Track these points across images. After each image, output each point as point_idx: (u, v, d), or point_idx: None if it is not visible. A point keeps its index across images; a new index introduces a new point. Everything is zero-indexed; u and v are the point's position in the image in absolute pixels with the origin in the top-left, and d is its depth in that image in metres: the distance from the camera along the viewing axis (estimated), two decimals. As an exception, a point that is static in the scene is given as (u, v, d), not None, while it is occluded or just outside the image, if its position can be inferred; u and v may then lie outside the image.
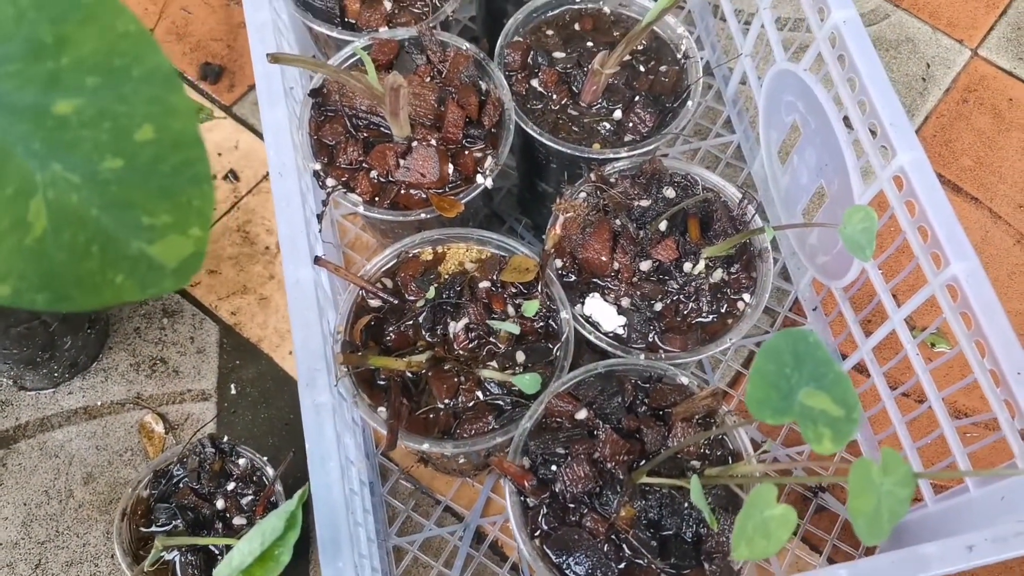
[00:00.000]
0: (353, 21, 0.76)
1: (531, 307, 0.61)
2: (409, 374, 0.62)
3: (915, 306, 0.68)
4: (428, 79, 0.72)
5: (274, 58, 0.54)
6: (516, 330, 0.61)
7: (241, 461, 0.68)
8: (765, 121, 0.87)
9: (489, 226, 0.88)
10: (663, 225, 0.67)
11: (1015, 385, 0.58)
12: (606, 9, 0.78)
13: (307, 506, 0.55)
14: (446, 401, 0.61)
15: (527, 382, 0.58)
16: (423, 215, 0.67)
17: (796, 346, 0.44)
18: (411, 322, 0.64)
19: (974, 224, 0.93)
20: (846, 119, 0.73)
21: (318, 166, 0.69)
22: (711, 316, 0.66)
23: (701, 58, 1.00)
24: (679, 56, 0.76)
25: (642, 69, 0.75)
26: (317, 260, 0.63)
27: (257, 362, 0.84)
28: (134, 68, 0.29)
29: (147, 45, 0.29)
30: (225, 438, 0.69)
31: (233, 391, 0.82)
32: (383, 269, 0.67)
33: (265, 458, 0.68)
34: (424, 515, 0.78)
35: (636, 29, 0.65)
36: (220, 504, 0.66)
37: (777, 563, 0.77)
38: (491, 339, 0.63)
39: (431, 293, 0.63)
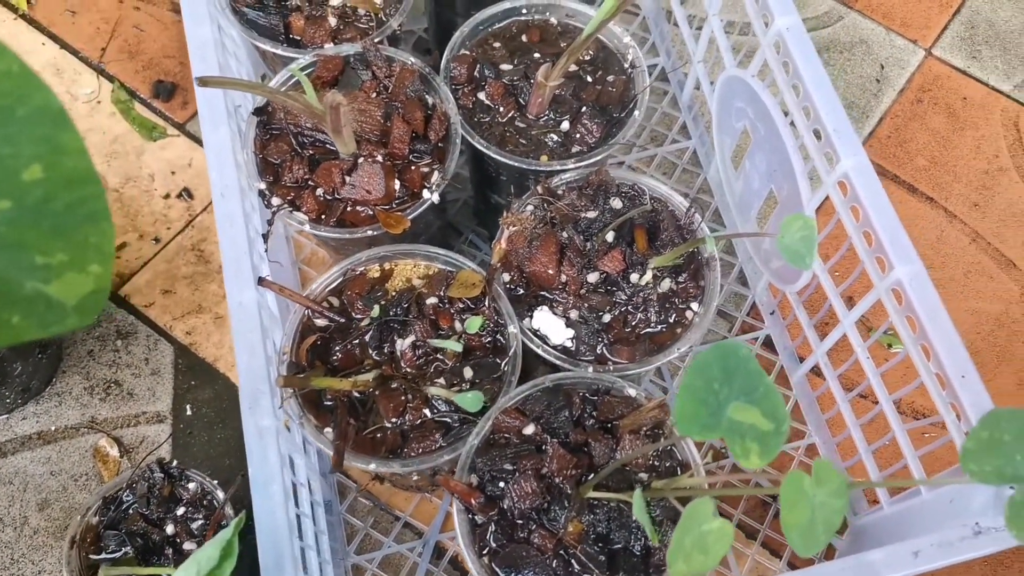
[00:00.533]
0: (298, 38, 0.75)
1: (474, 323, 0.61)
2: (356, 394, 0.62)
3: (863, 310, 0.68)
4: (374, 95, 0.71)
5: (203, 81, 0.53)
6: (458, 347, 0.61)
7: (191, 485, 0.68)
8: (718, 127, 0.87)
9: (445, 239, 0.88)
10: (610, 236, 0.67)
11: (959, 388, 0.59)
12: (553, 20, 0.78)
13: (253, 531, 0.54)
14: (393, 420, 0.61)
15: (469, 400, 0.58)
16: (370, 232, 0.67)
17: (726, 360, 0.44)
18: (358, 341, 0.63)
19: (929, 224, 0.93)
20: (793, 124, 0.73)
21: (263, 185, 0.68)
22: (660, 326, 0.66)
23: (656, 64, 1.01)
24: (626, 66, 0.76)
25: (589, 79, 0.75)
26: (261, 281, 0.62)
27: (213, 382, 0.83)
28: (18, 108, 0.28)
29: (32, 84, 0.28)
30: (175, 462, 0.69)
31: (189, 412, 0.82)
32: (329, 288, 0.66)
33: (216, 481, 0.68)
34: (383, 532, 0.77)
35: (577, 40, 0.65)
36: (170, 530, 0.66)
37: (737, 569, 0.77)
38: (438, 356, 0.63)
39: (376, 311, 0.63)
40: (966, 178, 0.96)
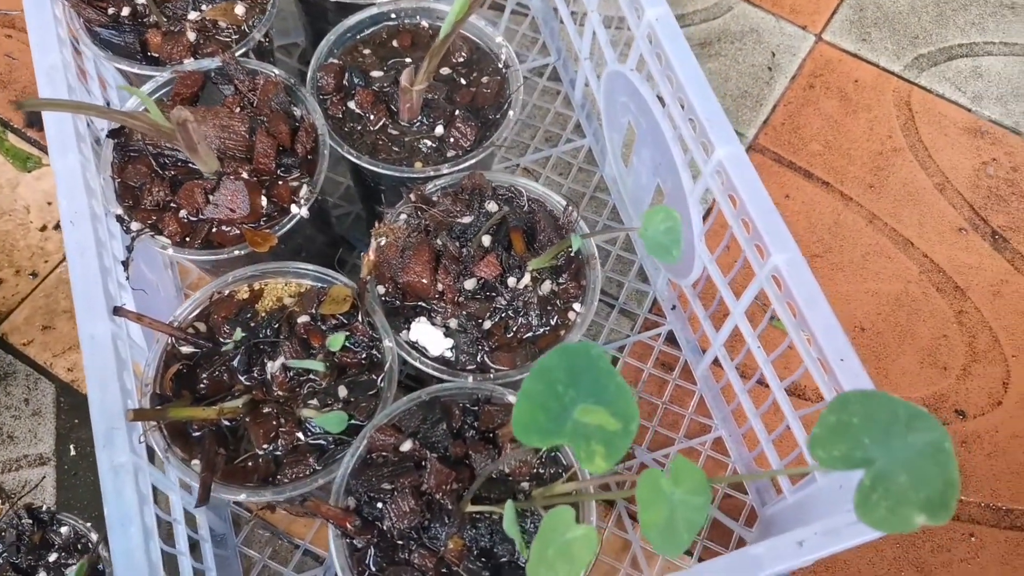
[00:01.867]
0: (156, 55, 0.72)
1: (336, 341, 0.59)
2: (226, 422, 0.59)
3: (750, 299, 0.67)
4: (237, 109, 0.69)
5: (19, 105, 0.50)
6: (320, 367, 0.58)
7: (63, 529, 0.64)
8: (607, 123, 0.86)
9: (334, 253, 0.85)
10: (486, 240, 0.65)
11: (839, 372, 0.58)
12: (424, 24, 0.76)
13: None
14: (265, 446, 0.58)
15: (332, 421, 0.56)
16: (237, 252, 0.64)
17: (573, 362, 0.42)
18: (225, 366, 0.61)
19: (826, 208, 0.93)
20: (671, 117, 0.72)
21: (120, 210, 0.65)
22: (542, 329, 0.64)
23: (548, 63, 1.00)
24: (500, 66, 0.74)
25: (463, 82, 0.74)
26: (117, 311, 0.59)
27: (97, 419, 0.79)
28: None
29: None
30: (44, 506, 0.65)
31: (73, 452, 0.78)
32: (195, 312, 0.63)
33: (89, 524, 0.64)
34: (283, 561, 0.74)
35: (436, 43, 0.63)
36: (41, 578, 0.62)
37: (649, 570, 0.75)
38: (311, 376, 0.61)
39: (238, 335, 0.60)
40: (860, 160, 0.96)
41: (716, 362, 0.81)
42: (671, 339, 0.85)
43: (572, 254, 0.66)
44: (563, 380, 0.41)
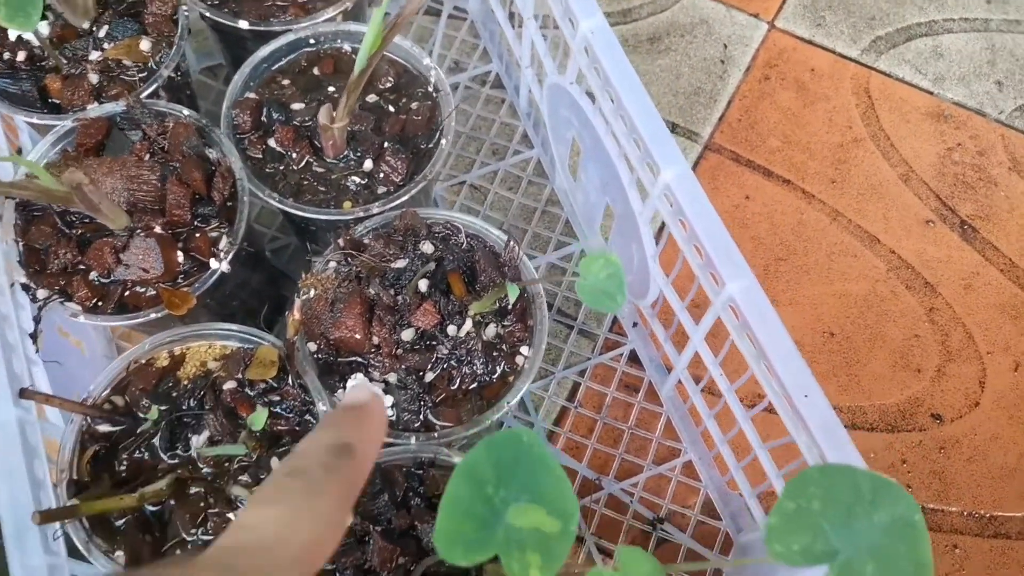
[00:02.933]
0: (58, 101, 0.67)
1: (258, 419, 0.54)
2: (150, 507, 0.55)
3: (708, 326, 0.64)
4: (147, 156, 0.64)
5: None
6: (242, 451, 0.54)
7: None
8: (553, 136, 0.81)
9: (275, 290, 0.81)
10: (423, 286, 0.60)
11: (803, 409, 0.54)
12: (347, 48, 0.71)
13: None
14: (193, 531, 0.54)
15: (257, 510, 0.51)
16: (153, 315, 0.60)
17: (501, 454, 0.38)
18: (146, 445, 0.56)
19: (788, 207, 0.89)
20: (615, 134, 0.68)
21: (25, 278, 0.60)
22: (488, 377, 0.60)
23: (490, 70, 0.95)
24: (430, 89, 0.69)
25: (391, 109, 0.69)
26: (23, 393, 0.54)
27: None
28: None
29: None
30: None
31: None
32: (111, 386, 0.59)
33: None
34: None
35: (352, 78, 0.58)
36: None
37: (622, 610, 0.72)
38: (241, 449, 0.56)
39: (154, 413, 0.55)
40: (821, 154, 0.92)
41: (682, 381, 0.78)
42: (634, 358, 0.81)
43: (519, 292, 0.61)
44: (491, 479, 0.37)
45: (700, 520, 0.75)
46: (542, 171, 0.90)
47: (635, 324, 0.82)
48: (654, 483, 0.77)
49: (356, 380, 0.59)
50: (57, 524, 0.52)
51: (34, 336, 0.59)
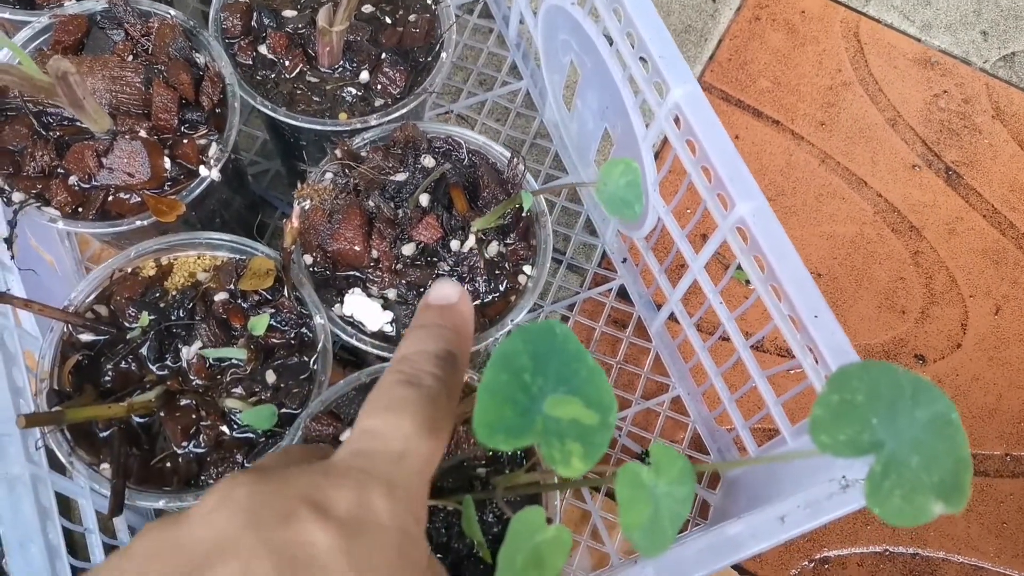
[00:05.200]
0: (32, -3, 0.63)
1: (259, 324, 0.52)
2: (137, 418, 0.52)
3: (711, 252, 0.63)
4: (130, 58, 0.60)
5: None
6: (242, 355, 0.51)
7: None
8: (547, 64, 0.79)
9: (254, 216, 0.77)
10: (424, 200, 0.58)
11: (813, 329, 0.53)
12: (341, -46, 0.68)
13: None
14: (184, 444, 0.52)
15: (260, 417, 0.49)
16: (139, 222, 0.56)
17: (537, 344, 0.36)
18: (133, 355, 0.53)
19: (778, 149, 0.89)
20: (620, 55, 0.66)
21: (-1, 180, 0.56)
22: (491, 296, 0.58)
23: (477, -1, 0.92)
24: (429, 2, 0.67)
25: (389, 20, 0.66)
26: (0, 297, 0.51)
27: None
28: None
29: None
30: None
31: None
32: (94, 294, 0.55)
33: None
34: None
35: (357, -25, 0.55)
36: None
37: (610, 542, 0.71)
38: (234, 361, 0.54)
39: (145, 320, 0.52)
40: (810, 96, 0.91)
41: (672, 317, 0.77)
42: (623, 294, 0.80)
43: (520, 210, 0.60)
44: (529, 367, 0.35)
45: (688, 454, 0.74)
46: (531, 103, 0.88)
47: (624, 260, 0.81)
48: (642, 418, 0.76)
49: (354, 294, 0.57)
50: (38, 433, 0.49)
51: (8, 241, 0.56)
